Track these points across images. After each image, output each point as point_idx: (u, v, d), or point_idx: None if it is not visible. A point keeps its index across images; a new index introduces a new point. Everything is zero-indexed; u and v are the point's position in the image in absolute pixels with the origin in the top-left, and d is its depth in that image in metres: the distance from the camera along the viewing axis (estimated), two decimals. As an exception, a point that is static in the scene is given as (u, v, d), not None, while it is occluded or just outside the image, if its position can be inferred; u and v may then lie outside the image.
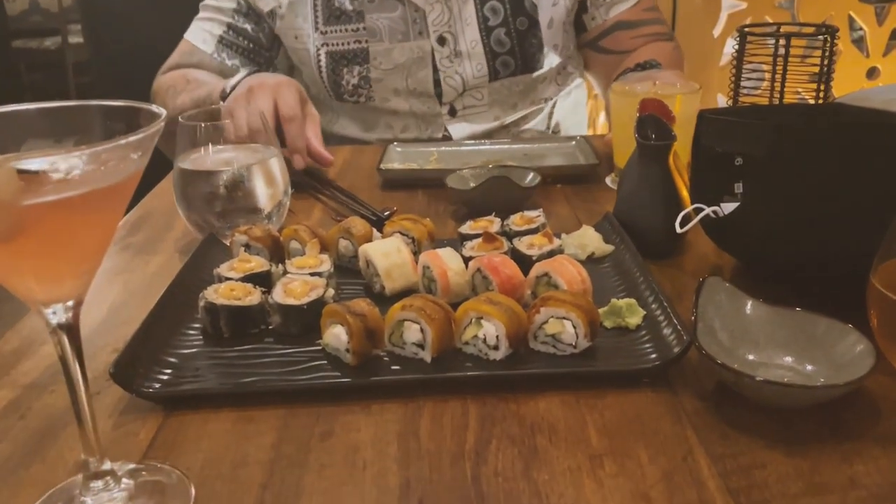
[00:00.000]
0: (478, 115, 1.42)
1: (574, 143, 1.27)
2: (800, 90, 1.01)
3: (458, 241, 0.86)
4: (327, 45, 1.36)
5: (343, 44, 1.36)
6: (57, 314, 0.48)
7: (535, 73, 1.41)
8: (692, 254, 0.89)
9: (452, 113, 1.40)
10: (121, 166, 0.45)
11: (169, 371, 0.67)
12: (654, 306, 0.72)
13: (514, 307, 0.66)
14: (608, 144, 1.19)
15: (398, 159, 1.22)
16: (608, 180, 1.14)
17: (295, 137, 1.11)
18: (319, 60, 1.37)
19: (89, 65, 2.07)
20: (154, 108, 0.48)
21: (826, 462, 0.55)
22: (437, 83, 1.37)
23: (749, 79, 0.95)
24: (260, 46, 1.41)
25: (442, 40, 1.34)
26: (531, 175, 1.03)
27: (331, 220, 1.02)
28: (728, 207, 0.78)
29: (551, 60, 1.42)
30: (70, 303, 0.48)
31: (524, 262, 0.78)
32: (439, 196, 1.09)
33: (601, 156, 1.19)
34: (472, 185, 1.05)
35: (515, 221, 0.87)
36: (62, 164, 0.43)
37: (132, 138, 0.43)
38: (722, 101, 1.81)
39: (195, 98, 1.25)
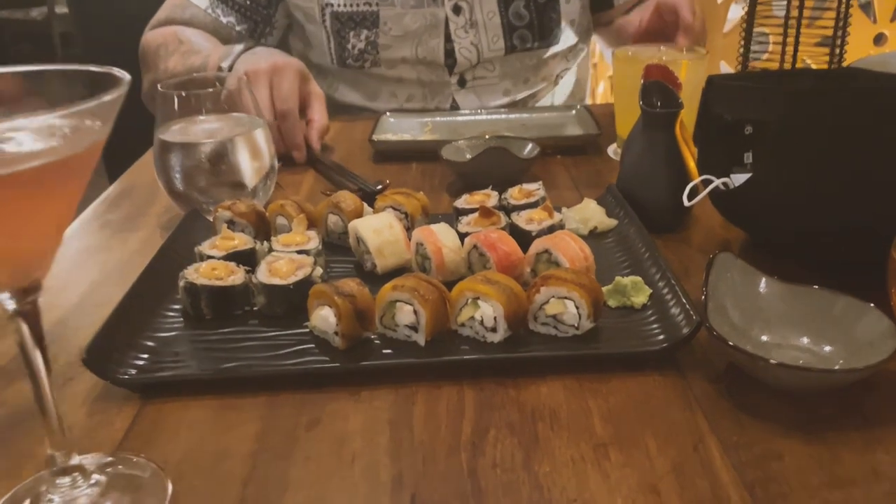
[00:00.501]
0: (488, 88, 1.36)
1: (574, 112, 1.22)
2: (805, 58, 0.96)
3: (454, 216, 0.82)
4: (332, 5, 1.29)
5: (351, 5, 1.29)
6: (14, 299, 0.44)
7: (550, 49, 1.35)
8: (699, 227, 0.85)
9: (462, 83, 1.35)
10: (78, 137, 0.41)
11: (146, 356, 0.63)
12: (660, 284, 0.68)
13: (513, 286, 0.62)
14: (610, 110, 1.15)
15: (391, 130, 1.17)
16: (610, 151, 1.10)
17: (291, 133, 1.05)
18: (325, 21, 1.31)
19: (76, 35, 1.99)
20: (116, 71, 0.44)
21: (847, 451, 0.51)
22: (448, 53, 1.31)
23: (759, 42, 0.90)
24: (257, 4, 1.33)
25: (457, 9, 1.28)
26: (530, 146, 0.99)
27: (320, 195, 0.97)
28: (738, 179, 0.74)
29: (567, 36, 1.37)
30: (29, 286, 0.44)
31: (523, 238, 0.74)
32: (434, 168, 1.05)
33: (603, 125, 1.15)
34: (469, 156, 1.01)
35: (514, 195, 0.83)
36: (9, 134, 0.38)
37: (85, 105, 0.39)
38: (725, 68, 1.76)
39: (189, 66, 1.18)
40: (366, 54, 1.31)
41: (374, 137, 1.11)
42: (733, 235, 0.82)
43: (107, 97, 0.40)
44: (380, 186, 0.95)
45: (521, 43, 1.32)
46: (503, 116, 1.22)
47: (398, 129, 1.18)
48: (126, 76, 0.43)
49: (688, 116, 0.87)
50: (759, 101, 0.68)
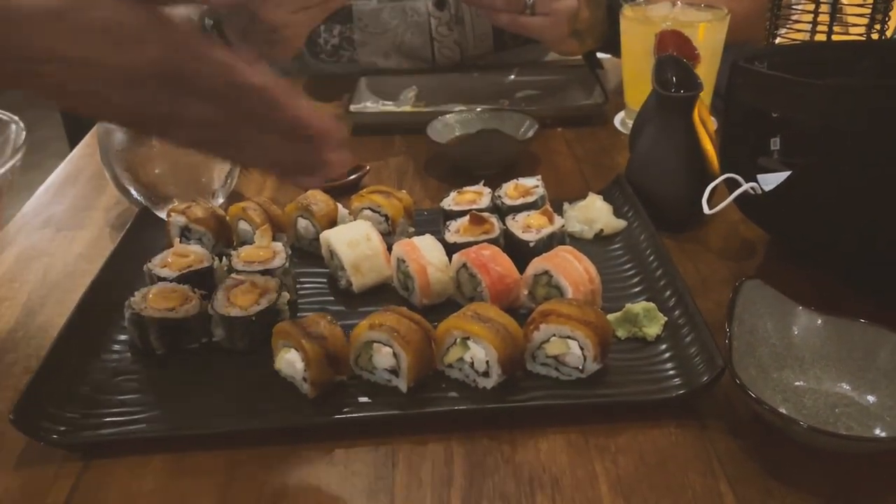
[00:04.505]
0: None
1: (577, 72, 1.09)
2: (844, 16, 0.85)
3: (440, 217, 0.72)
4: None
5: None
6: None
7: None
8: (717, 224, 0.76)
9: None
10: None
11: (87, 406, 0.54)
12: (676, 312, 0.59)
13: (508, 325, 0.54)
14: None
15: (371, 97, 1.06)
16: (617, 121, 0.99)
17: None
18: None
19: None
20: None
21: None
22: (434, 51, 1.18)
23: (793, 8, 0.79)
24: None
25: (441, 3, 1.13)
26: (527, 123, 0.88)
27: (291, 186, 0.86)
28: (767, 181, 0.65)
29: None
30: None
31: (520, 249, 0.65)
32: (419, 142, 0.94)
33: (609, 86, 1.04)
34: (458, 133, 0.90)
35: (509, 193, 0.72)
36: None
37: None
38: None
39: None
40: (341, 51, 1.16)
41: (352, 108, 0.99)
42: (757, 234, 0.73)
43: None
44: (357, 174, 0.84)
45: (514, 39, 1.17)
46: (496, 78, 1.10)
47: (378, 94, 1.07)
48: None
49: (705, 86, 0.76)
50: (798, 97, 0.58)
